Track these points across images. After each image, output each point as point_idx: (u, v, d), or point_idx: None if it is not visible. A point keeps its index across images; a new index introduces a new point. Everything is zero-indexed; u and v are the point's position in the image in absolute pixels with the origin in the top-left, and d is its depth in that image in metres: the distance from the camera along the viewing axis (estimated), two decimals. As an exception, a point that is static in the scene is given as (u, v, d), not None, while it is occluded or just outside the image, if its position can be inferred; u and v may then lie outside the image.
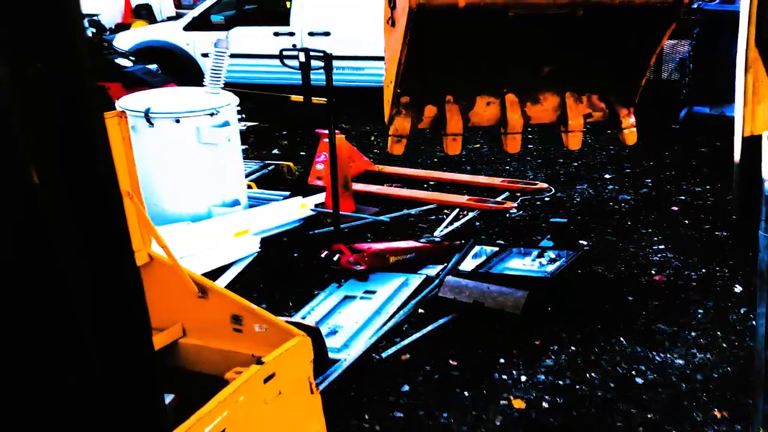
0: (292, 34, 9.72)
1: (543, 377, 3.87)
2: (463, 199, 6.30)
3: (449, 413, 3.60)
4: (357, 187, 6.42)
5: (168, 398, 2.74)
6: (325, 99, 5.05)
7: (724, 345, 4.12)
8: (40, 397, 1.28)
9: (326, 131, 5.35)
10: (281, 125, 8.86)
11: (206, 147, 5.57)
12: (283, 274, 5.10)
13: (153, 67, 8.59)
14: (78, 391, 1.33)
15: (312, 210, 5.83)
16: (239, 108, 5.93)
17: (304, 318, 4.43)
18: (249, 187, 6.37)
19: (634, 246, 5.38)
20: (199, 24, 10.22)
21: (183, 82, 8.23)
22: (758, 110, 5.33)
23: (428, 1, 3.36)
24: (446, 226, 5.81)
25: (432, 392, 3.78)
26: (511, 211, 6.08)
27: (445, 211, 6.13)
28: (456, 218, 5.97)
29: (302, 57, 6.23)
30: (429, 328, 4.35)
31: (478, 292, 4.47)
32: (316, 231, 5.68)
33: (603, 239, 5.52)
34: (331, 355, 4.01)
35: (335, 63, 5.23)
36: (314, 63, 6.07)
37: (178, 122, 5.47)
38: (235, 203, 5.78)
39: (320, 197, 6.03)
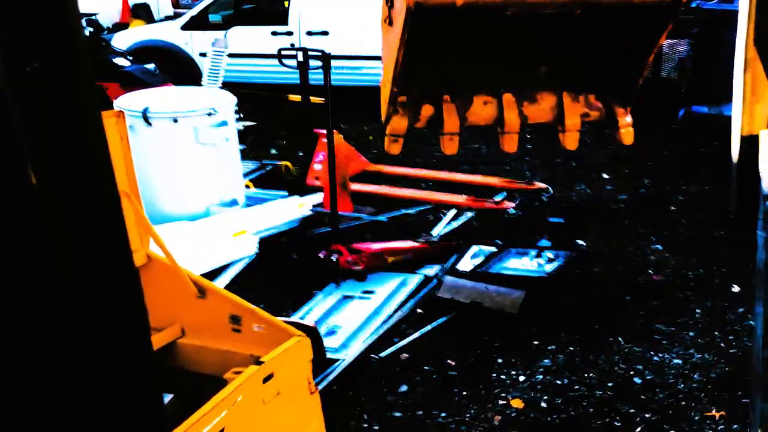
0: (290, 33, 9.71)
1: (541, 377, 3.87)
2: (461, 198, 6.29)
3: (447, 413, 3.60)
4: (355, 186, 6.41)
5: (167, 398, 2.73)
6: (323, 99, 5.04)
7: (722, 345, 4.12)
8: (38, 399, 1.28)
9: (324, 131, 5.34)
10: (279, 125, 8.85)
11: (204, 147, 5.56)
12: (281, 274, 5.09)
13: (151, 66, 8.56)
14: (76, 392, 1.32)
15: (310, 210, 5.82)
16: (237, 107, 5.92)
17: (302, 318, 4.43)
18: (247, 186, 6.36)
19: (632, 246, 5.38)
20: (197, 23, 10.21)
21: (181, 81, 8.21)
22: (756, 109, 5.34)
23: (425, 0, 3.35)
24: (444, 226, 5.81)
25: (430, 392, 3.78)
26: (509, 211, 6.07)
27: (443, 210, 6.13)
28: (454, 218, 5.97)
29: (300, 56, 6.23)
30: (427, 328, 4.35)
31: (477, 292, 4.48)
32: (314, 231, 5.68)
33: (601, 239, 5.52)
34: (329, 355, 4.01)
35: (333, 62, 5.22)
36: (312, 62, 6.06)
37: (176, 122, 5.47)
38: (233, 203, 5.77)
39: (318, 197, 6.02)
